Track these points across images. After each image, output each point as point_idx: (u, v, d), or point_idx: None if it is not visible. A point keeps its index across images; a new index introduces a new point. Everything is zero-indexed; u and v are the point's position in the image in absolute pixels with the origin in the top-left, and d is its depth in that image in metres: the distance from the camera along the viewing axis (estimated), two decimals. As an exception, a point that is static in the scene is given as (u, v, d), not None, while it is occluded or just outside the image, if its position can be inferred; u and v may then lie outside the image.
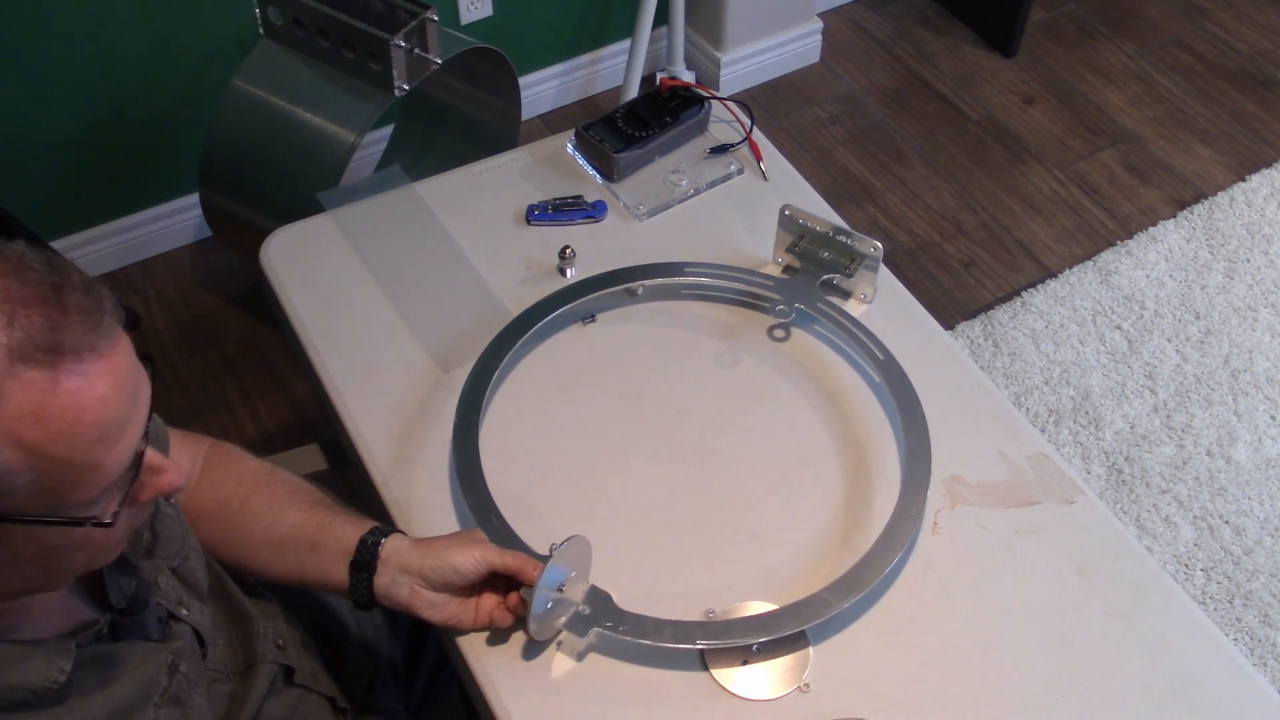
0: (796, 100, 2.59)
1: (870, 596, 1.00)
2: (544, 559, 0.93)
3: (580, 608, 0.96)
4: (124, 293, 2.17)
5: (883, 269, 1.24)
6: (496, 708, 0.94)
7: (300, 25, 1.80)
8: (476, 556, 0.94)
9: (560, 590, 0.95)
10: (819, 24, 2.62)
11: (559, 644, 0.98)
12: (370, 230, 1.30)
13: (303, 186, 1.77)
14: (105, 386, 0.65)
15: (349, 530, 0.96)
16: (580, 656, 0.97)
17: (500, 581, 0.97)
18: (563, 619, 0.97)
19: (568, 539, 0.94)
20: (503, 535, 1.01)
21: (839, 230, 1.22)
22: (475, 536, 0.97)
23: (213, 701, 0.90)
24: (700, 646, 0.96)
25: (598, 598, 0.97)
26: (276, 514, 0.98)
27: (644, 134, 1.36)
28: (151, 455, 0.72)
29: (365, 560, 0.94)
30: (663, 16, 2.41)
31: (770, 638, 0.96)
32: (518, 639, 0.98)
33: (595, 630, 0.96)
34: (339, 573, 0.95)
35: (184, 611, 0.88)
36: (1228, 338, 2.14)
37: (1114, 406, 2.04)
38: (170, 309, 2.17)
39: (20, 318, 0.62)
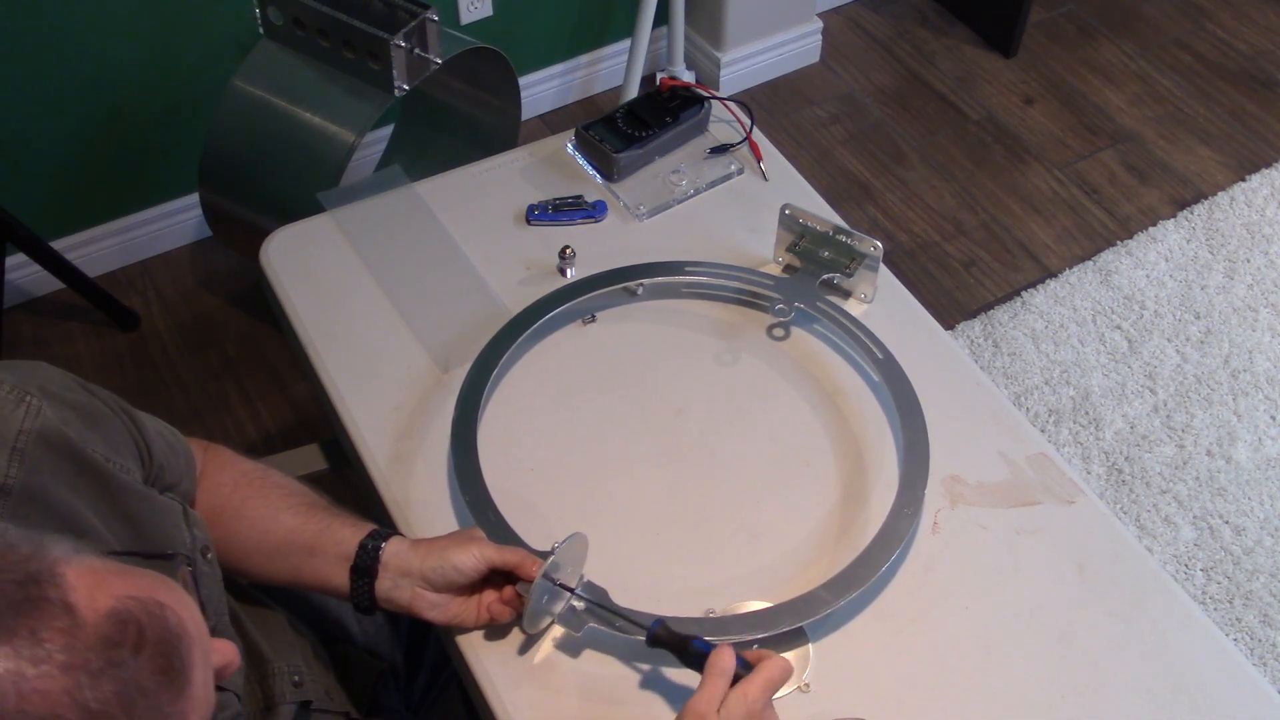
0: (796, 100, 2.59)
1: (870, 596, 1.00)
2: (543, 555, 0.93)
3: (575, 602, 0.96)
4: (124, 293, 2.17)
5: (883, 269, 1.24)
6: (496, 707, 0.94)
7: (300, 25, 1.80)
8: (476, 554, 0.94)
9: (557, 585, 0.95)
10: (819, 24, 2.62)
11: (557, 641, 0.98)
12: (370, 230, 1.30)
13: (303, 186, 1.77)
14: None
15: (347, 534, 0.96)
16: (578, 654, 0.97)
17: (499, 578, 0.97)
18: (557, 610, 0.97)
19: (569, 536, 0.94)
20: (502, 534, 1.01)
21: (839, 230, 1.22)
22: (473, 535, 0.97)
23: None
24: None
25: (594, 593, 0.97)
26: (272, 518, 0.97)
27: (644, 134, 1.36)
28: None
29: (366, 565, 0.94)
30: (663, 16, 2.41)
31: (768, 634, 0.96)
32: (516, 638, 0.98)
33: (594, 628, 0.96)
34: (338, 577, 0.95)
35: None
36: (1228, 338, 2.14)
37: (1114, 406, 2.04)
38: (170, 309, 2.17)
39: None
